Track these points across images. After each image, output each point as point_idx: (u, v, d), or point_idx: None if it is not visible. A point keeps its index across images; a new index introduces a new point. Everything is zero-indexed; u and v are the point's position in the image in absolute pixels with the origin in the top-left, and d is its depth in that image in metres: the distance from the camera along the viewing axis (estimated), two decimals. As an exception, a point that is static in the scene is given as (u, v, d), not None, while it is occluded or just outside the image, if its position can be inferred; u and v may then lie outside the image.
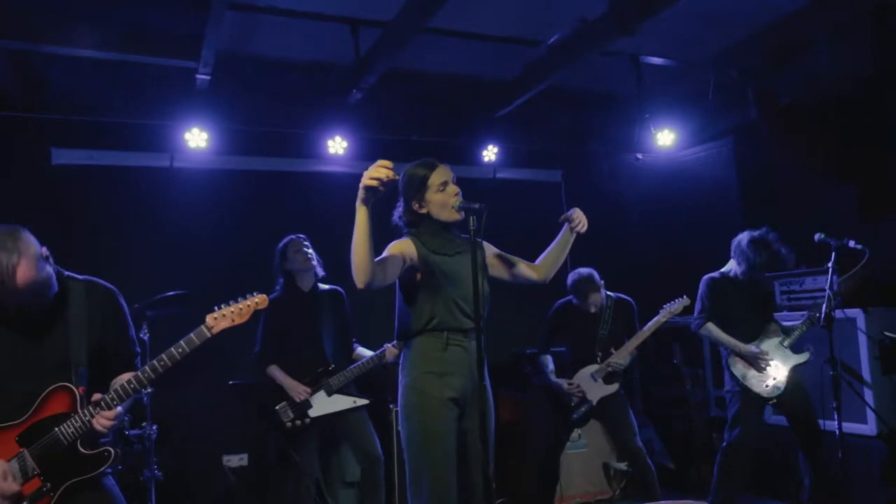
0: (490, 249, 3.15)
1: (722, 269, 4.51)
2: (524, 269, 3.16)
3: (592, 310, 4.58)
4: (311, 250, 4.31)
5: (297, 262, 4.27)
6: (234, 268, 5.20)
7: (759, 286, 4.50)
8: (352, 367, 4.24)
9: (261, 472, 4.87)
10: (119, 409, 2.44)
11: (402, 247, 2.87)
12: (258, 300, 2.61)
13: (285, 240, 4.35)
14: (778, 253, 4.29)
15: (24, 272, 2.28)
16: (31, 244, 2.35)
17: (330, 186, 5.85)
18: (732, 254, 4.43)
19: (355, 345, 4.48)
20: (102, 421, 2.40)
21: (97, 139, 5.15)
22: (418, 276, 2.89)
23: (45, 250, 2.41)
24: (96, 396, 2.44)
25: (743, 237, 4.36)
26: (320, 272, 4.37)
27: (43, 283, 2.37)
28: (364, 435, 4.22)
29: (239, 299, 2.59)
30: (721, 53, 5.28)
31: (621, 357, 4.53)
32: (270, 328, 4.25)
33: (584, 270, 4.59)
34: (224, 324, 2.53)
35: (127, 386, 2.44)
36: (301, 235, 4.36)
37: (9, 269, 2.25)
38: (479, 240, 2.84)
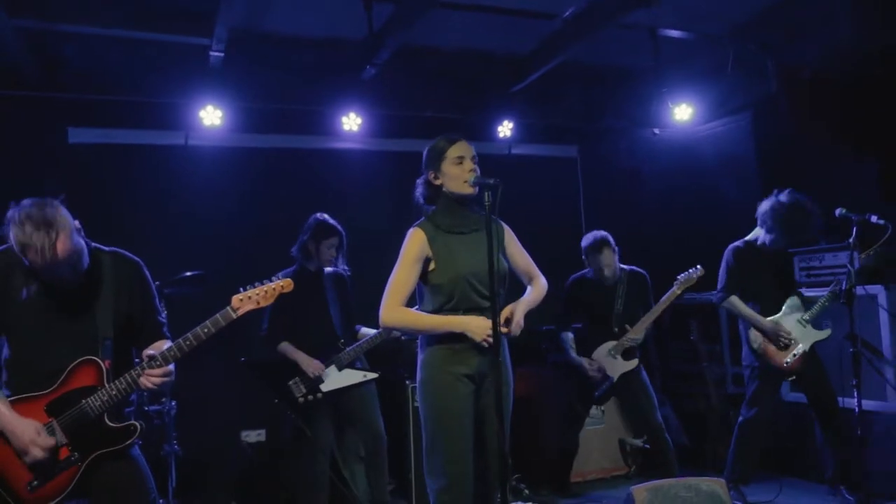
0: (511, 238, 3.12)
1: (747, 238, 4.44)
2: (525, 278, 3.14)
3: (606, 272, 4.53)
4: (336, 252, 4.29)
5: (323, 255, 4.24)
6: (249, 244, 5.23)
7: (785, 257, 4.42)
8: (361, 341, 4.27)
9: (278, 448, 4.92)
10: (171, 366, 2.52)
11: (415, 250, 2.89)
12: (283, 284, 2.62)
13: (329, 227, 4.24)
14: (809, 214, 4.17)
15: (63, 245, 2.33)
16: (67, 217, 2.40)
17: (345, 163, 5.86)
18: (759, 220, 4.36)
19: (357, 326, 4.49)
20: (152, 378, 2.47)
21: (113, 118, 5.17)
22: (432, 262, 2.90)
23: (77, 223, 2.45)
24: (148, 352, 2.51)
25: (771, 200, 4.26)
26: (333, 267, 4.38)
27: (79, 254, 2.42)
28: (370, 413, 4.27)
29: (264, 282, 2.60)
30: (741, 26, 5.18)
31: (638, 332, 4.51)
32: (279, 306, 4.25)
33: (597, 232, 4.57)
34: (249, 306, 2.56)
35: (167, 353, 2.50)
36: (343, 233, 4.30)
37: (49, 244, 2.30)
38: (500, 221, 2.89)
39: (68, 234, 2.35)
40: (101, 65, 4.75)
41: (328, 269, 4.38)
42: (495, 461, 2.83)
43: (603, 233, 4.58)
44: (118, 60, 4.77)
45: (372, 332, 4.32)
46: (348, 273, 4.46)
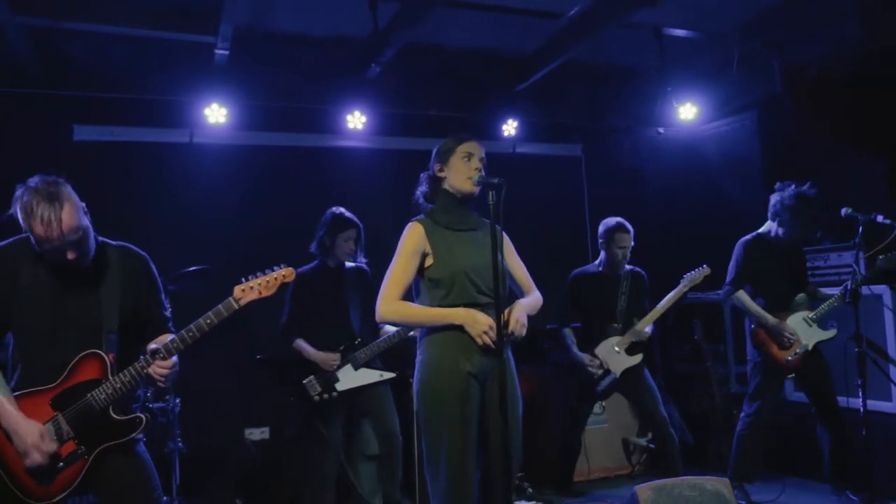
0: (510, 247, 3.12)
1: (759, 231, 4.42)
2: (521, 288, 3.12)
3: (621, 256, 4.53)
4: (354, 245, 4.27)
5: (340, 250, 4.22)
6: (253, 242, 5.24)
7: (796, 251, 4.41)
8: (378, 340, 4.22)
9: (282, 446, 4.92)
10: (174, 359, 2.52)
11: (413, 243, 2.89)
12: (285, 273, 2.62)
13: (345, 220, 4.22)
14: (817, 210, 4.16)
15: (68, 218, 2.34)
16: (73, 194, 2.42)
17: (349, 161, 5.86)
18: (770, 213, 4.34)
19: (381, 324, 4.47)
20: (158, 370, 2.48)
21: (118, 115, 5.18)
22: (430, 257, 2.90)
23: (83, 205, 2.46)
24: (151, 346, 2.51)
25: (786, 192, 4.24)
26: (354, 262, 4.36)
27: (85, 233, 2.43)
28: (385, 413, 4.23)
29: (266, 271, 2.60)
30: (746, 24, 5.16)
31: (644, 326, 4.50)
32: (298, 302, 4.26)
33: (613, 218, 4.56)
34: (251, 296, 2.55)
35: (170, 345, 2.51)
36: (360, 226, 4.28)
37: (55, 215, 2.31)
38: (500, 228, 2.85)
39: (74, 208, 2.36)
40: (106, 62, 4.75)
41: (350, 265, 4.34)
42: (498, 460, 2.81)
43: (617, 218, 4.57)
44: (123, 58, 4.78)
45: (393, 329, 4.26)
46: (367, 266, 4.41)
